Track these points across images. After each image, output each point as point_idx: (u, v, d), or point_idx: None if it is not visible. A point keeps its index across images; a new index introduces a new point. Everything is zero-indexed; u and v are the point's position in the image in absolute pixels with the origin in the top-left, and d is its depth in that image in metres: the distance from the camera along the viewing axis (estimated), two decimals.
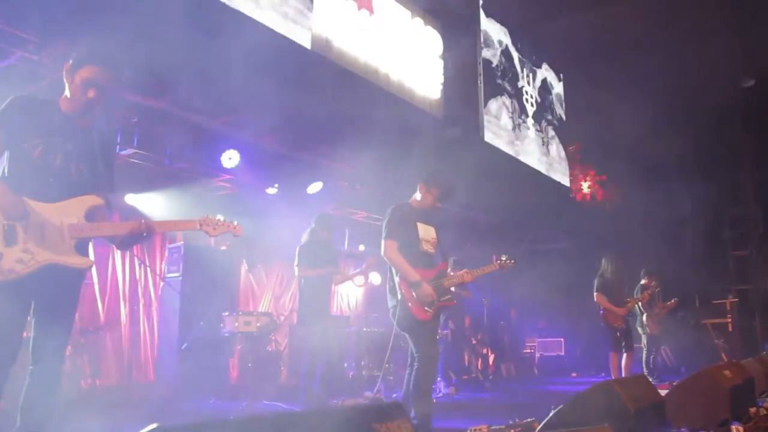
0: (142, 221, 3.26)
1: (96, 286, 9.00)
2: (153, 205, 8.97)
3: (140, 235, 3.23)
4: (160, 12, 5.13)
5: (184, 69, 5.62)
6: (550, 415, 3.67)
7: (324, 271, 6.48)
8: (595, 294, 8.29)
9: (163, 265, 9.31)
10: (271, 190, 9.77)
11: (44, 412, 3.08)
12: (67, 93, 3.24)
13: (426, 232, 4.87)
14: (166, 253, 8.76)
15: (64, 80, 3.24)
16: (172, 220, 3.42)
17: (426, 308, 4.62)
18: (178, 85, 6.29)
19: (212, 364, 8.00)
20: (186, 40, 5.22)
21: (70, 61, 3.23)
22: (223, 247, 10.58)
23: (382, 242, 4.75)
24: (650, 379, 9.24)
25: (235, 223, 3.56)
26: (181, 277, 8.18)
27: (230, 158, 8.28)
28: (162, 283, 8.65)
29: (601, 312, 8.25)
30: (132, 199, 8.94)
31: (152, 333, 9.49)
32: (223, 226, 3.50)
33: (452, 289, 8.67)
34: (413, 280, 4.60)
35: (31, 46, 5.37)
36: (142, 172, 8.82)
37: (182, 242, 8.57)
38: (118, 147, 7.62)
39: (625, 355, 8.17)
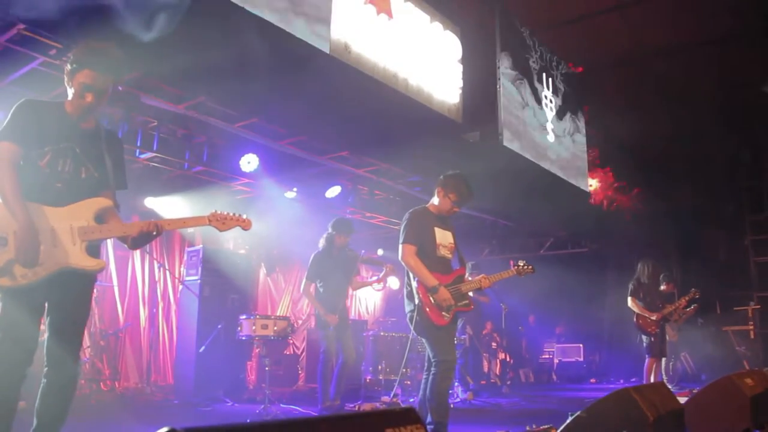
0: (152, 220, 3.27)
1: (116, 289, 9.09)
2: (173, 208, 9.05)
3: (150, 234, 3.25)
4: (183, 17, 5.17)
5: (203, 73, 5.65)
6: (567, 421, 3.64)
7: (321, 309, 6.48)
8: (629, 299, 8.18)
9: (182, 269, 9.37)
10: (290, 194, 9.81)
11: (59, 414, 3.10)
12: (69, 96, 3.23)
13: (443, 237, 4.86)
14: (185, 257, 8.81)
15: (65, 84, 3.23)
16: (181, 218, 3.42)
17: (443, 313, 4.60)
18: (197, 89, 6.33)
19: (230, 367, 8.03)
20: (205, 44, 5.25)
21: (69, 65, 3.20)
22: (242, 251, 10.65)
23: (400, 247, 4.74)
24: (670, 387, 9.24)
25: (244, 216, 3.56)
26: (199, 281, 8.22)
27: (249, 162, 8.33)
28: (181, 287, 8.70)
29: (635, 317, 8.16)
30: (152, 202, 9.02)
31: (171, 336, 9.57)
32: (232, 220, 3.51)
33: (470, 294, 8.75)
34: (431, 285, 4.59)
35: (53, 51, 5.43)
36: (162, 176, 8.91)
37: (201, 246, 8.61)
38: (138, 151, 7.70)
39: (656, 362, 8.08)
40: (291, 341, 10.82)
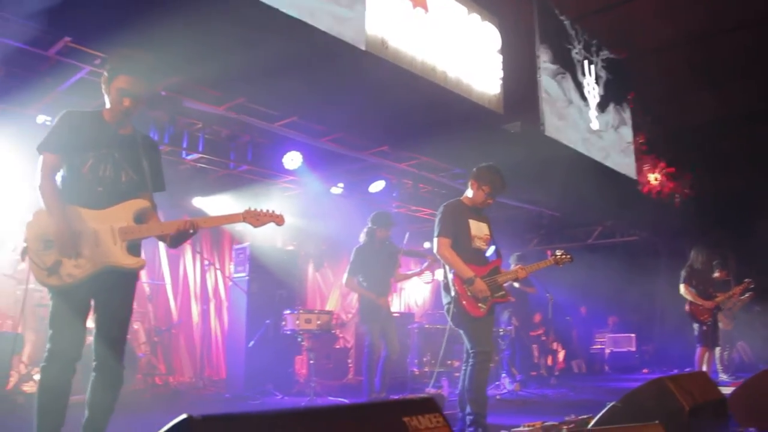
0: (188, 219, 3.39)
1: (169, 287, 9.38)
2: (221, 207, 9.27)
3: (186, 233, 3.36)
4: (219, 22, 5.32)
5: (241, 75, 5.79)
6: (603, 411, 3.63)
7: (367, 293, 6.53)
8: (681, 286, 8.02)
9: (230, 266, 9.60)
10: (336, 190, 9.93)
11: (107, 406, 3.25)
12: (107, 104, 3.40)
13: (478, 228, 4.88)
14: (233, 254, 9.02)
15: (103, 92, 3.40)
16: (216, 216, 3.55)
17: (480, 305, 4.63)
18: (236, 91, 6.49)
19: (279, 362, 8.20)
20: (240, 46, 5.39)
21: (105, 73, 3.38)
22: (290, 247, 10.83)
23: (435, 240, 4.79)
24: (725, 377, 9.01)
25: (278, 212, 3.65)
26: (247, 277, 8.41)
27: (292, 160, 8.47)
28: (230, 283, 8.92)
29: (687, 305, 8.01)
30: (200, 202, 9.26)
31: (223, 332, 9.81)
32: (266, 216, 3.61)
33: (516, 285, 8.73)
34: (466, 277, 4.62)
35: (97, 60, 5.65)
36: (209, 176, 9.15)
37: (248, 243, 8.80)
38: (184, 152, 7.92)
39: (708, 351, 7.93)
40: (341, 335, 10.96)
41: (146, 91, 3.42)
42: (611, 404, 3.64)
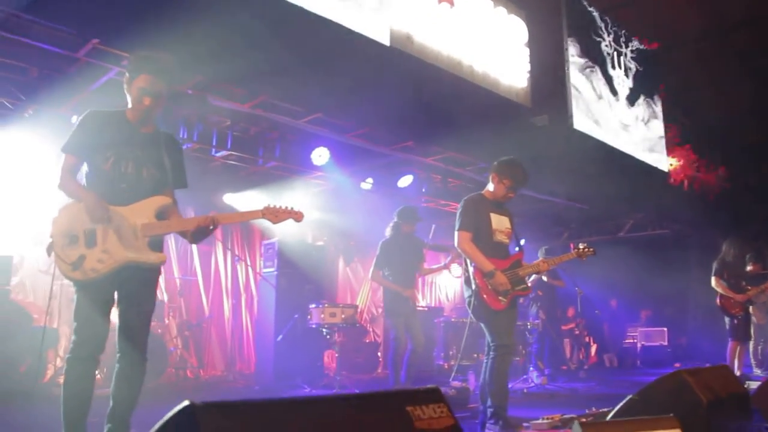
0: (208, 215, 3.47)
1: (200, 282, 9.54)
2: (252, 203, 9.38)
3: (207, 228, 3.44)
4: (243, 20, 5.40)
5: (265, 72, 5.87)
6: (620, 404, 3.63)
7: (394, 286, 6.57)
8: (713, 279, 7.93)
9: (260, 261, 9.73)
10: (365, 186, 9.98)
11: (130, 397, 3.35)
12: (129, 103, 3.49)
13: (499, 222, 4.89)
14: (262, 249, 9.14)
15: (125, 92, 3.49)
16: (236, 212, 3.64)
17: (500, 298, 4.64)
18: (260, 88, 6.57)
19: (307, 355, 8.30)
20: (263, 44, 5.47)
21: (127, 74, 3.48)
22: (320, 243, 10.93)
23: (456, 234, 4.82)
24: (759, 371, 8.86)
25: (296, 209, 3.70)
26: (276, 272, 8.53)
27: (320, 156, 8.54)
28: (259, 278, 9.04)
29: (718, 298, 7.91)
30: (230, 198, 9.39)
31: (254, 326, 9.96)
32: (285, 213, 3.65)
33: (544, 279, 8.69)
34: (487, 270, 4.63)
35: (125, 61, 5.78)
36: (240, 173, 9.28)
37: (276, 239, 8.92)
38: (214, 150, 8.05)
39: (740, 345, 7.82)
40: (371, 329, 11.04)
41: (166, 89, 3.48)
42: (629, 397, 3.64)
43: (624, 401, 3.63)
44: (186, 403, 1.67)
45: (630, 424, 2.90)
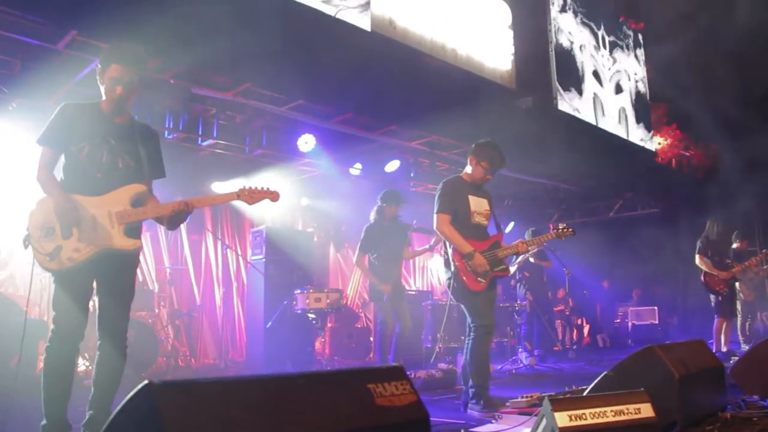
0: (182, 200, 3.51)
1: (191, 271, 9.58)
2: None
3: (182, 213, 3.49)
4: (220, 5, 5.41)
5: (244, 60, 5.89)
6: (596, 381, 3.68)
7: (373, 278, 6.66)
8: (696, 256, 8.01)
9: (249, 249, 9.76)
10: (354, 171, 9.99)
11: (110, 383, 3.41)
12: (103, 94, 3.52)
13: (478, 204, 4.93)
14: (250, 237, 9.17)
15: (98, 83, 3.53)
16: (211, 195, 3.67)
17: (479, 279, 4.69)
18: (241, 76, 6.59)
19: (297, 341, 8.34)
20: (242, 31, 5.47)
21: (98, 66, 3.51)
22: (310, 229, 10.97)
23: (434, 216, 4.86)
24: (747, 347, 8.94)
25: (272, 188, 3.74)
26: (264, 259, 8.57)
27: (306, 142, 8.54)
28: (249, 266, 9.08)
29: (703, 276, 7.97)
30: (219, 187, 9.40)
31: (245, 314, 10.00)
32: (260, 193, 3.71)
33: (531, 260, 8.74)
34: (465, 252, 4.68)
35: None
36: (227, 161, 9.28)
37: (264, 226, 8.95)
38: (200, 139, 8.06)
39: (726, 322, 7.90)
40: (362, 314, 11.09)
41: (138, 78, 3.52)
42: (604, 373, 3.69)
43: (599, 377, 3.68)
44: (145, 382, 1.72)
45: (600, 399, 2.94)
